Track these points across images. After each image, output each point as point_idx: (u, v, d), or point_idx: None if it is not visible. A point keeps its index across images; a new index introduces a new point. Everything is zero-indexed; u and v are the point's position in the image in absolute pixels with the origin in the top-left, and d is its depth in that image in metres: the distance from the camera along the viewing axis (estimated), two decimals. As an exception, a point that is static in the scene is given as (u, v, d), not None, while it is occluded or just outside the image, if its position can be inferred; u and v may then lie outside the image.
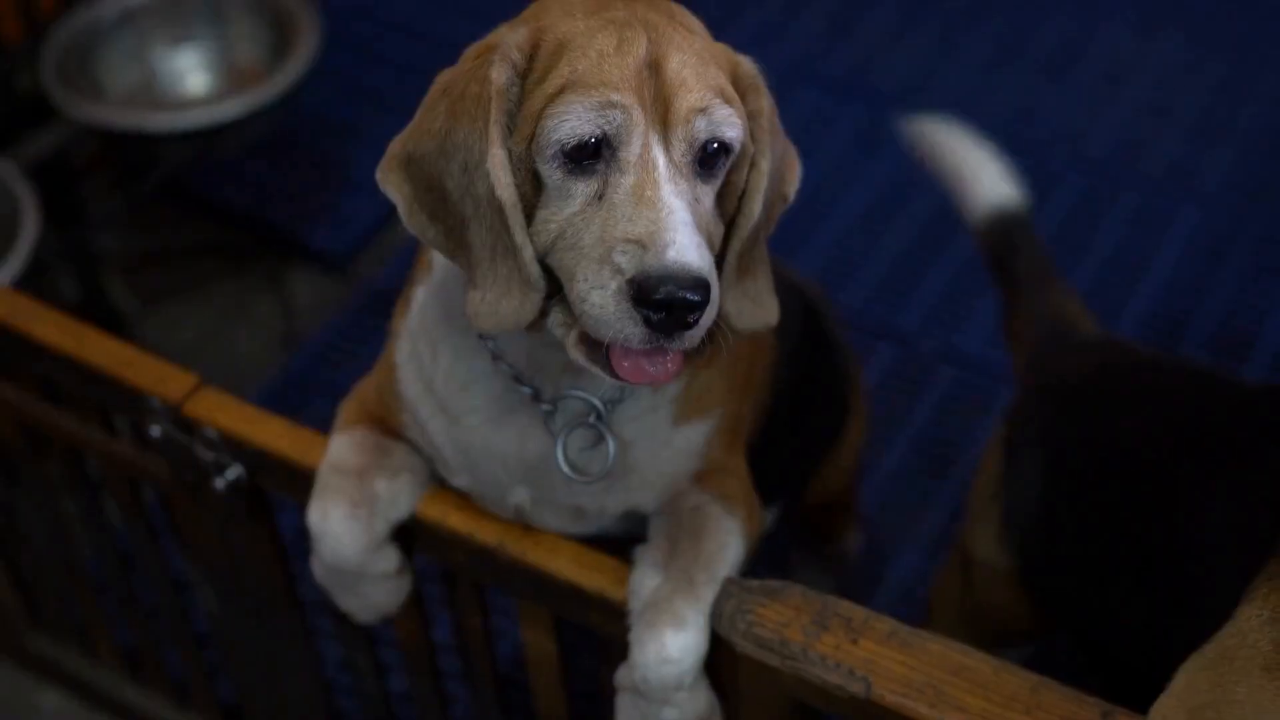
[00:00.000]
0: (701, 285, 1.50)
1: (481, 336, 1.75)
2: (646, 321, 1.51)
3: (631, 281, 1.50)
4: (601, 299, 1.52)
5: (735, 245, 1.67)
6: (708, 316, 1.54)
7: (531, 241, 1.59)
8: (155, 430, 2.03)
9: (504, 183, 1.57)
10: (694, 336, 1.54)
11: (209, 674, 2.59)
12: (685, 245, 1.50)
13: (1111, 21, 4.09)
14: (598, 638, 1.94)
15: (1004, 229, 2.47)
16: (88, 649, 2.73)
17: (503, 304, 1.59)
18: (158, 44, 3.57)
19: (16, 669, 2.86)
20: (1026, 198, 2.52)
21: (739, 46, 1.72)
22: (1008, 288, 2.46)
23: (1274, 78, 3.90)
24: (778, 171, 1.71)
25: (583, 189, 1.57)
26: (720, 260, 1.68)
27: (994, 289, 2.54)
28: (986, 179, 2.50)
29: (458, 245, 1.63)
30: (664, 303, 1.49)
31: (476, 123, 1.58)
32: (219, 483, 2.01)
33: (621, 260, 1.51)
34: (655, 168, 1.54)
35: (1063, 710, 1.62)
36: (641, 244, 1.50)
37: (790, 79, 3.81)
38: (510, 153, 1.58)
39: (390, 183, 1.65)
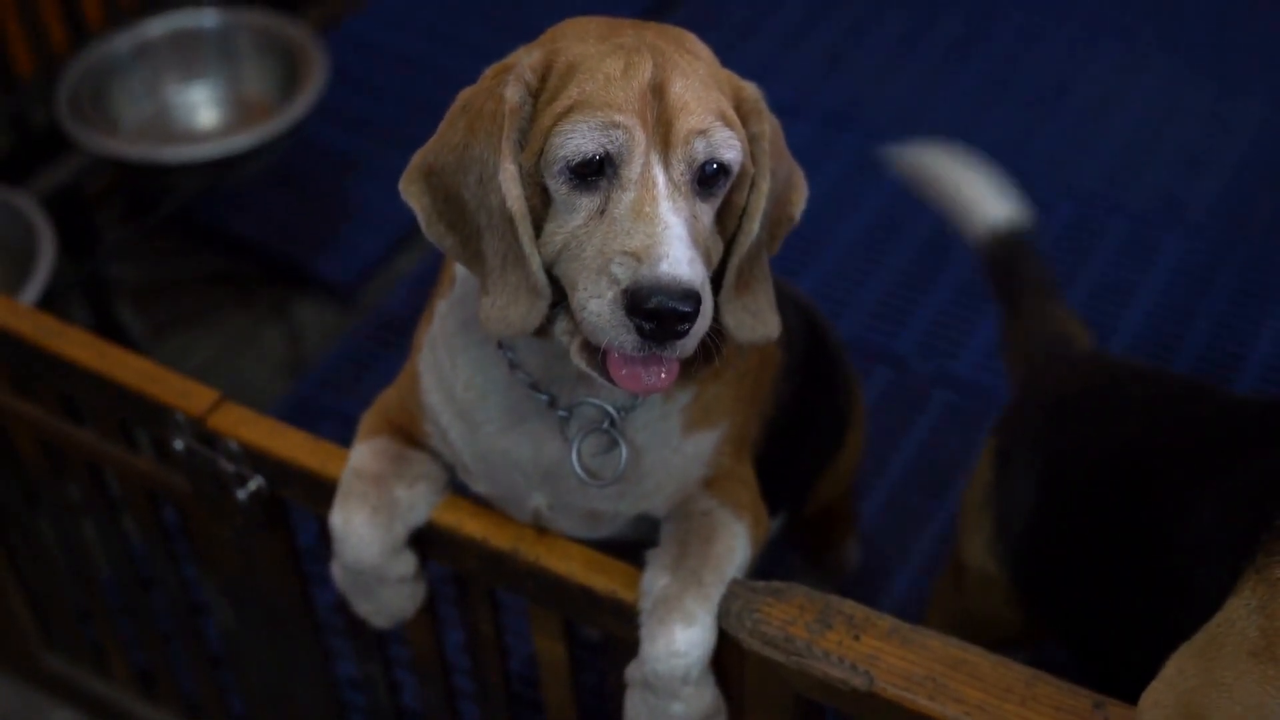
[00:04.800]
0: (691, 297, 1.57)
1: (500, 346, 1.82)
2: (639, 330, 1.58)
3: (625, 292, 1.57)
4: (598, 307, 1.60)
5: (734, 261, 1.75)
6: (699, 327, 1.61)
7: (539, 252, 1.67)
8: (178, 444, 2.09)
9: (514, 195, 1.65)
10: (686, 346, 1.62)
11: (222, 693, 2.63)
12: (678, 259, 1.58)
13: (1098, 55, 4.17)
14: (607, 647, 2.00)
15: (1004, 246, 2.53)
16: (102, 668, 2.77)
17: (511, 310, 1.67)
18: (170, 79, 3.64)
19: (30, 687, 2.90)
20: (1029, 215, 2.57)
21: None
22: (1006, 304, 2.52)
23: (1258, 109, 3.97)
24: (781, 192, 1.79)
25: (587, 204, 1.64)
26: (721, 275, 1.76)
27: (995, 305, 2.59)
28: (986, 198, 2.56)
29: (473, 254, 1.71)
30: (654, 312, 1.56)
31: (491, 138, 1.66)
32: (240, 494, 2.07)
33: (618, 271, 1.59)
34: (655, 185, 1.62)
35: (1056, 701, 1.68)
36: (637, 257, 1.58)
37: (787, 111, 3.86)
38: (521, 167, 1.66)
39: (411, 193, 1.73)
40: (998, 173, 2.62)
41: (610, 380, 1.65)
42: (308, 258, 3.65)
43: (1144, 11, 4.30)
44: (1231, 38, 4.20)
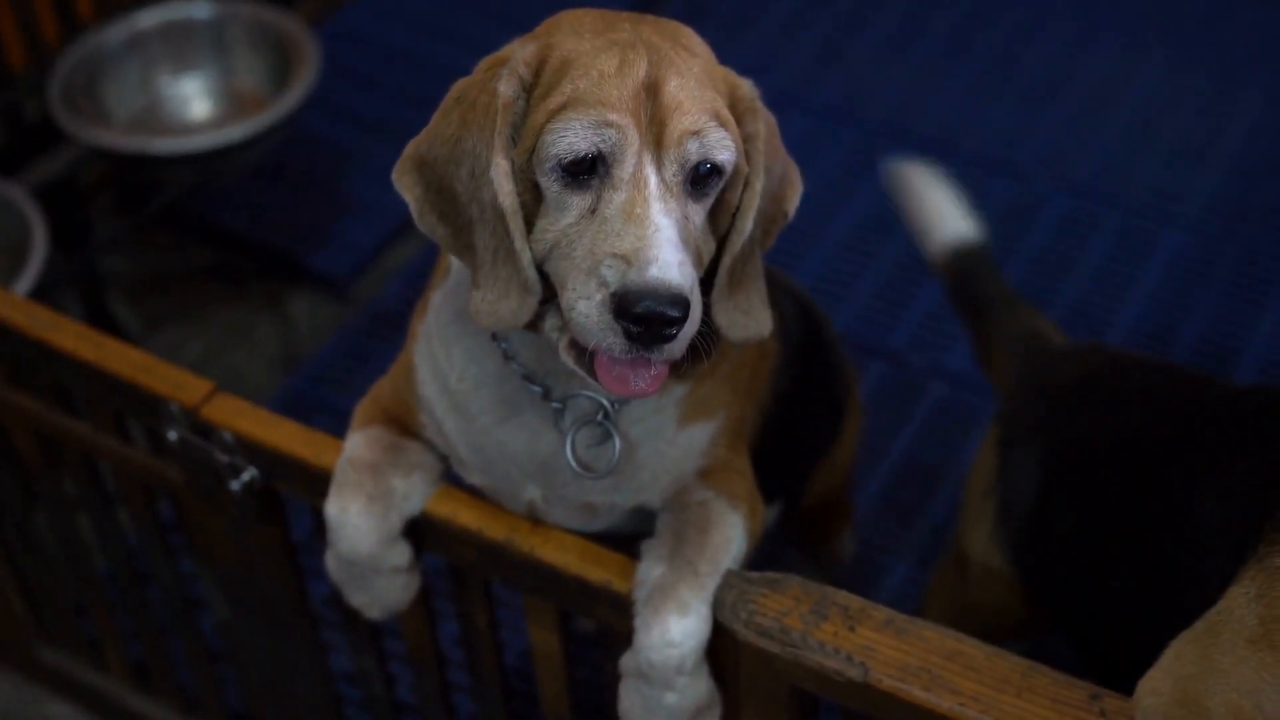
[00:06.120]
0: (680, 301, 1.56)
1: (494, 337, 1.82)
2: (627, 333, 1.58)
3: (614, 295, 1.57)
4: (587, 309, 1.59)
5: (727, 260, 1.74)
6: (687, 330, 1.60)
7: (530, 248, 1.66)
8: (172, 435, 2.09)
9: (506, 191, 1.64)
10: (674, 349, 1.61)
11: (218, 686, 2.63)
12: (668, 263, 1.57)
13: (1095, 48, 4.17)
14: (602, 638, 2.00)
15: (965, 261, 2.56)
16: (98, 661, 2.77)
17: (501, 305, 1.67)
18: (162, 71, 3.63)
19: (26, 680, 2.89)
20: (985, 233, 2.61)
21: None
22: (973, 316, 2.55)
23: (1254, 102, 3.97)
24: (776, 189, 1.78)
25: (578, 202, 1.64)
26: (713, 274, 1.75)
27: (961, 320, 2.62)
28: (948, 216, 2.59)
29: (464, 246, 1.70)
30: (643, 317, 1.56)
31: (484, 132, 1.65)
32: (234, 485, 2.06)
33: (607, 274, 1.58)
34: (646, 186, 1.61)
35: (1053, 693, 1.67)
36: (626, 259, 1.57)
37: (782, 106, 3.85)
38: (514, 163, 1.65)
39: (403, 184, 1.72)
40: (985, 179, 2.65)
41: (597, 381, 1.65)
42: (301, 251, 3.65)
43: (1140, 5, 4.29)
44: (1228, 31, 4.20)
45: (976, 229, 2.59)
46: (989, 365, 2.52)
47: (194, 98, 3.66)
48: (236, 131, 3.33)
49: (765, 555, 2.55)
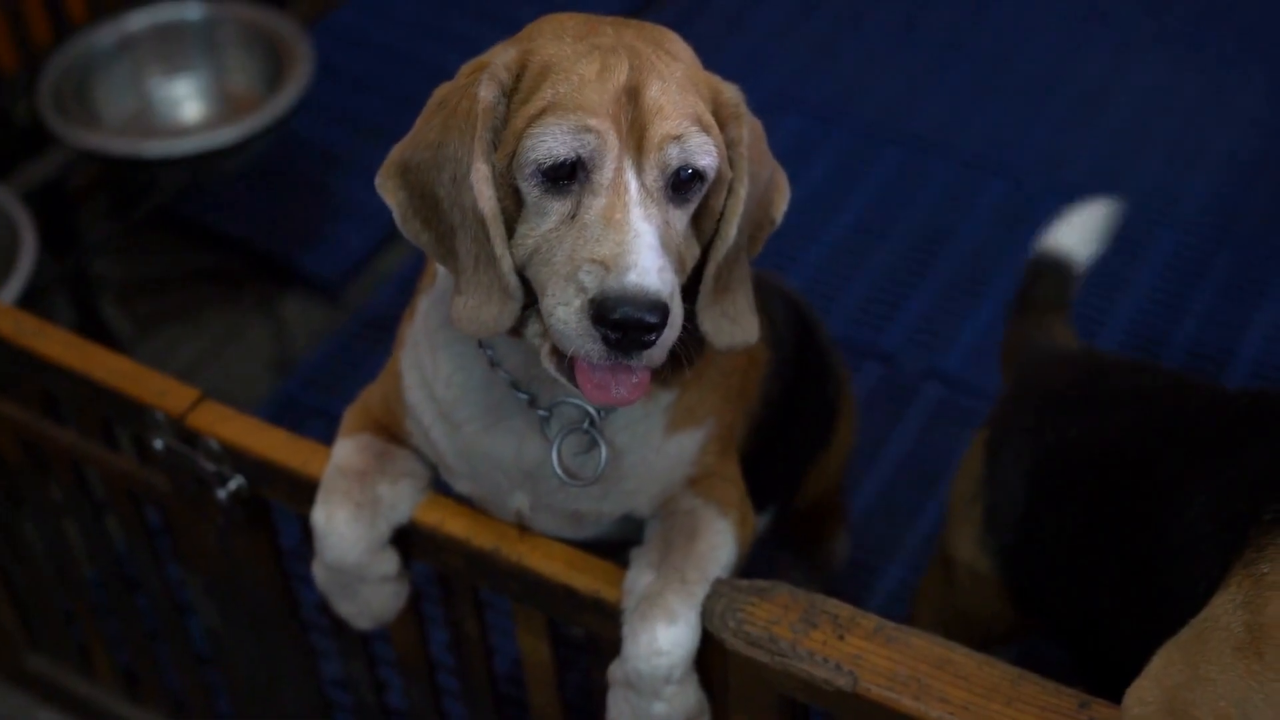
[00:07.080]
0: (659, 308, 1.55)
1: (480, 344, 1.81)
2: (605, 340, 1.57)
3: (592, 301, 1.56)
4: (565, 315, 1.58)
5: (712, 267, 1.73)
6: (666, 337, 1.59)
7: (511, 253, 1.65)
8: (158, 443, 2.08)
9: (486, 196, 1.63)
10: (653, 356, 1.60)
11: (207, 692, 2.62)
12: (646, 269, 1.56)
13: (1090, 48, 4.16)
14: (591, 646, 1.99)
15: (1044, 265, 2.55)
16: (86, 668, 2.76)
17: (483, 311, 1.66)
18: (153, 73, 3.62)
19: (14, 689, 2.88)
20: (1090, 266, 2.61)
21: (724, 75, 1.76)
22: (1018, 311, 2.54)
23: (1250, 103, 3.96)
24: (762, 196, 1.77)
25: (558, 207, 1.63)
26: (699, 281, 1.74)
27: (1009, 312, 2.60)
28: (1073, 230, 2.59)
29: (447, 252, 1.70)
30: (620, 323, 1.55)
31: (465, 137, 1.64)
32: (221, 494, 2.05)
33: (586, 279, 1.57)
34: (626, 191, 1.60)
35: (1042, 701, 1.67)
36: (605, 265, 1.56)
37: (775, 106, 3.87)
38: (494, 168, 1.64)
39: (387, 189, 1.71)
40: (1115, 221, 2.64)
41: (578, 388, 1.64)
42: (293, 254, 3.64)
43: (1135, 3, 4.28)
44: (1223, 31, 4.19)
45: (1086, 256, 2.59)
46: (1005, 358, 2.53)
47: (185, 100, 3.65)
48: (228, 134, 3.32)
49: (760, 559, 2.54)
